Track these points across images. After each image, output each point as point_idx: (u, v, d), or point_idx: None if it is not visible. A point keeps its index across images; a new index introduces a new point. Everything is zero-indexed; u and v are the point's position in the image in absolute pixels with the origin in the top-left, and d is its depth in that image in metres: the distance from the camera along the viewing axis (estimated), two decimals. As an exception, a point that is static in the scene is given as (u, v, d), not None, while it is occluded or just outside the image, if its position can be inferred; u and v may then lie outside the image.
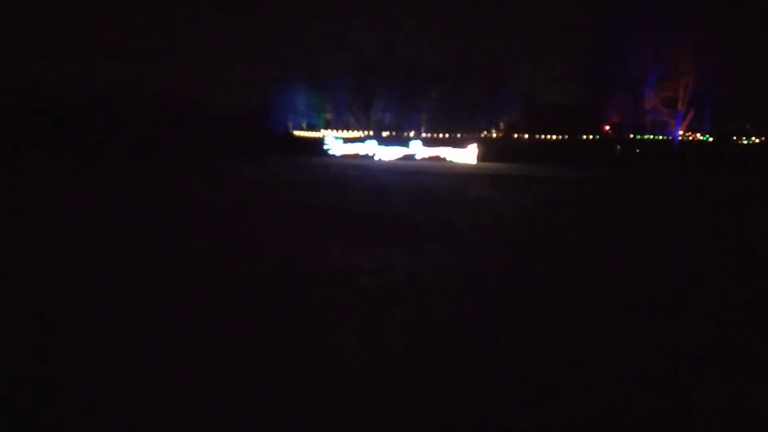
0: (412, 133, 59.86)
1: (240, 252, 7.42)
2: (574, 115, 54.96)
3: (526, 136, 55.84)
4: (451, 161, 41.11)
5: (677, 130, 50.29)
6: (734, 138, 51.17)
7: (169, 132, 45.81)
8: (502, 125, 58.58)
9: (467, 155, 41.54)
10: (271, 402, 3.31)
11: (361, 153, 44.81)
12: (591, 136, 53.99)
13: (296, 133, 59.74)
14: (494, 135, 58.56)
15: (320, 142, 49.59)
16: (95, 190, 15.70)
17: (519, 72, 68.84)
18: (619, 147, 51.40)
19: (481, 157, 41.81)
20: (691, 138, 51.87)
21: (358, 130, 59.04)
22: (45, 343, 4.11)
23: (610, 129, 54.98)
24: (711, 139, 51.22)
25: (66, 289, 5.58)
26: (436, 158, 42.10)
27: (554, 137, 55.37)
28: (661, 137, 51.17)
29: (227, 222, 10.13)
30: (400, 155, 42.82)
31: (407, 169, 29.76)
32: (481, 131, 58.22)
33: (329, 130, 59.68)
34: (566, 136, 54.79)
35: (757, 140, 50.84)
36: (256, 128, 54.73)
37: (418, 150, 43.61)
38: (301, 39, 60.96)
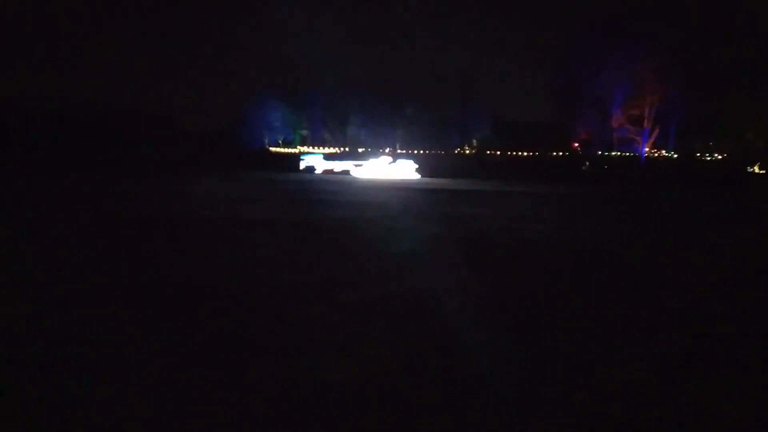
0: (388, 149, 60.54)
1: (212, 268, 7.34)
2: (544, 133, 56.21)
3: (498, 152, 56.86)
4: (354, 175, 42.62)
5: (643, 147, 51.81)
6: (698, 155, 52.78)
7: (141, 147, 45.64)
8: (474, 142, 59.61)
9: (377, 169, 42.84)
10: (249, 416, 3.29)
11: (336, 169, 45.84)
12: (560, 153, 55.19)
13: (272, 149, 59.96)
14: (467, 151, 59.52)
15: (295, 157, 50.06)
16: (56, 206, 15.53)
17: (490, 90, 70.54)
18: (587, 163, 52.65)
19: (421, 172, 42.67)
20: (656, 155, 53.38)
21: (334, 147, 59.53)
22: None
23: (578, 146, 56.30)
24: (676, 156, 52.76)
25: (32, 306, 5.43)
26: (330, 171, 44.40)
27: (525, 154, 56.49)
28: (628, 154, 52.63)
29: (194, 238, 10.13)
30: (302, 168, 46.36)
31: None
32: (455, 148, 59.19)
33: (305, 147, 60.07)
34: (536, 153, 55.98)
35: (719, 156, 52.52)
36: (231, 144, 54.84)
37: (317, 163, 46.60)
38: (278, 55, 61.61)
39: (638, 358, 4.33)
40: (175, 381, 3.69)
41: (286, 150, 59.53)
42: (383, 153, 50.61)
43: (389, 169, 42.80)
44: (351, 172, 43.74)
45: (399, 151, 56.56)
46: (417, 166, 42.74)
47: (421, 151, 55.94)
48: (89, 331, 4.65)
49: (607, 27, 51.01)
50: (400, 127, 60.51)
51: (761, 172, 48.98)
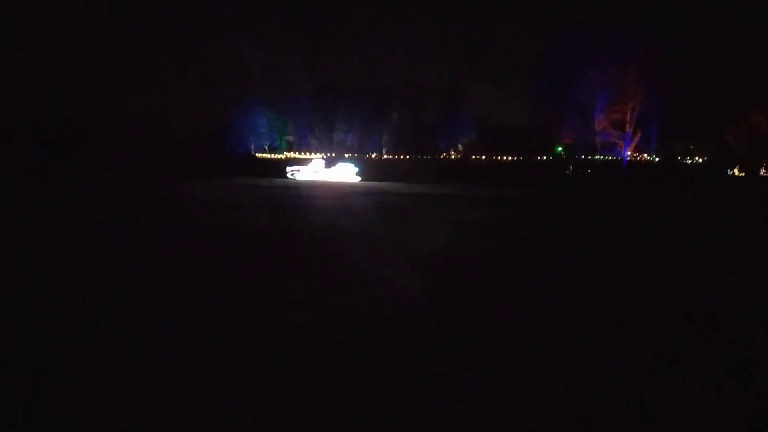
0: (374, 155, 60.83)
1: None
2: (529, 137, 56.73)
3: (483, 157, 57.34)
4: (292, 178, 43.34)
5: (626, 151, 52.45)
6: (679, 158, 53.51)
7: (124, 154, 45.51)
8: (460, 147, 60.02)
9: (313, 173, 43.61)
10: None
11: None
12: (544, 157, 55.74)
13: (258, 155, 60.01)
14: (452, 156, 59.94)
15: (282, 163, 50.19)
16: (42, 213, 15.49)
17: (475, 95, 71.13)
18: (571, 167, 53.18)
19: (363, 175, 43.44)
20: (639, 158, 54.06)
21: (320, 152, 59.74)
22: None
23: (563, 150, 56.91)
24: (657, 159, 53.45)
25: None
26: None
27: (510, 158, 56.99)
28: (610, 157, 53.25)
29: (173, 245, 10.11)
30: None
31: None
32: (440, 153, 59.59)
33: (292, 152, 60.21)
34: (521, 157, 56.53)
35: (700, 159, 53.27)
36: (217, 150, 54.81)
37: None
38: (265, 61, 61.90)
39: (619, 358, 4.37)
40: (160, 388, 3.65)
41: (272, 156, 59.62)
42: (319, 158, 51.24)
43: (327, 172, 43.45)
44: (288, 176, 44.32)
45: (346, 155, 57.43)
46: (357, 169, 43.59)
47: (374, 155, 57.17)
48: (57, 339, 4.60)
49: (589, 33, 51.73)
50: (386, 132, 60.85)
51: (741, 174, 49.76)
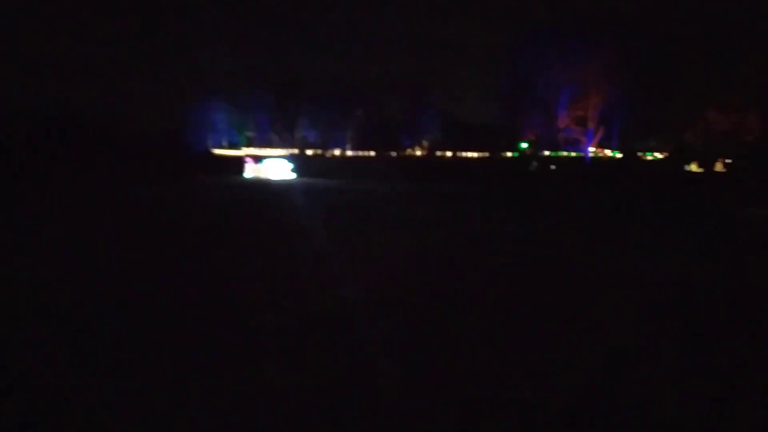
0: (337, 151, 59.83)
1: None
2: (494, 134, 56.83)
3: (449, 153, 57.09)
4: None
5: (588, 147, 53.05)
6: (640, 154, 54.41)
7: (72, 153, 43.26)
8: (425, 143, 59.61)
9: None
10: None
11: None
12: (510, 154, 55.89)
13: (216, 151, 58.14)
14: (418, 153, 59.49)
15: (238, 160, 48.66)
16: None
17: (441, 92, 70.56)
18: (535, 164, 53.35)
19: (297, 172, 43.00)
20: (601, 154, 54.72)
21: (282, 149, 58.35)
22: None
23: (528, 147, 57.24)
24: (619, 156, 54.20)
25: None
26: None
27: (475, 155, 56.96)
28: (574, 154, 53.76)
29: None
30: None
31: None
32: (405, 150, 59.06)
33: (252, 149, 58.57)
34: (486, 154, 56.59)
35: (660, 156, 54.25)
36: (173, 147, 52.76)
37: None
38: (223, 56, 59.92)
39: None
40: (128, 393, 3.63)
41: (230, 153, 57.83)
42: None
43: (259, 169, 42.69)
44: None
45: (309, 152, 56.91)
46: (292, 166, 43.15)
47: (318, 152, 56.76)
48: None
49: (552, 31, 52.03)
50: (350, 129, 59.92)
51: (699, 170, 50.80)
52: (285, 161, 43.74)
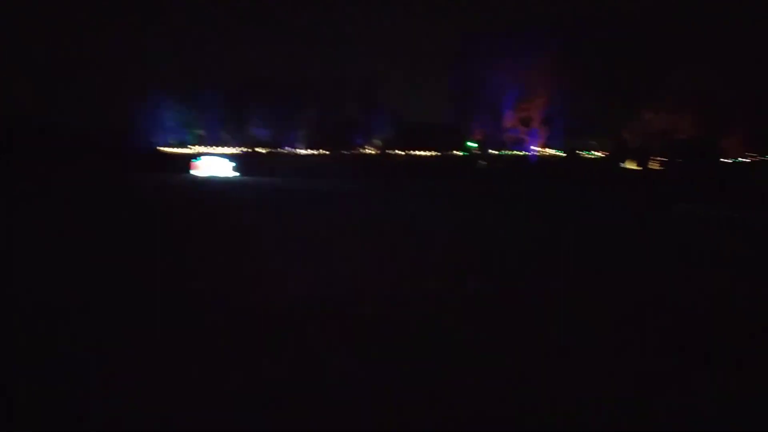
0: (290, 149, 59.74)
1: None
2: (444, 133, 57.96)
3: (402, 153, 57.89)
4: None
5: (532, 146, 54.98)
6: (583, 152, 56.63)
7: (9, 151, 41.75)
8: (377, 142, 60.22)
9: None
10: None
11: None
12: (459, 153, 57.16)
13: (163, 149, 56.97)
14: (370, 152, 60.04)
15: (186, 158, 48.10)
16: None
17: (392, 91, 71.16)
18: (484, 163, 54.82)
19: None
20: (546, 153, 56.66)
21: (232, 147, 57.77)
22: None
23: (477, 146, 58.66)
24: (563, 154, 56.25)
25: None
26: None
27: (427, 154, 57.96)
28: (520, 153, 55.54)
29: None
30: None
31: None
32: (356, 148, 59.51)
33: (202, 147, 57.76)
34: (437, 153, 57.69)
35: (601, 154, 56.60)
36: (117, 145, 51.46)
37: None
38: (172, 54, 58.68)
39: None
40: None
41: (178, 151, 56.84)
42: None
43: (201, 166, 42.72)
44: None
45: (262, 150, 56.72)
46: (234, 164, 43.52)
47: (270, 150, 57.01)
48: None
49: (499, 35, 53.64)
50: (303, 128, 59.86)
51: (637, 168, 53.41)
52: (226, 160, 44.04)
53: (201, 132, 59.29)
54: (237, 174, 42.54)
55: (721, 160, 48.61)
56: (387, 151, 59.28)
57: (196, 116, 58.43)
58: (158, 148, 56.41)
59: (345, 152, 57.86)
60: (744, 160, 50.15)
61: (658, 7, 56.90)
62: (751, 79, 48.31)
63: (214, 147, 57.49)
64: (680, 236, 12.81)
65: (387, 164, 53.04)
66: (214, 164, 43.11)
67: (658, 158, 52.21)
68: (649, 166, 51.86)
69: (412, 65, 70.35)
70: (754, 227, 14.90)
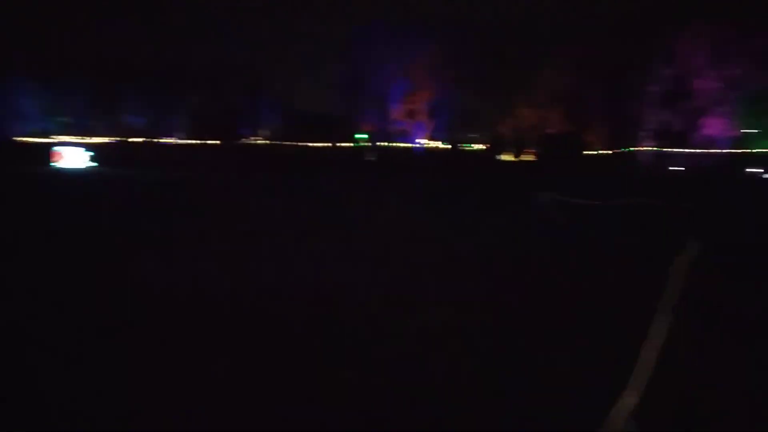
0: (170, 139, 56.64)
1: None
2: (333, 124, 57.91)
3: (289, 143, 57.08)
4: None
5: (417, 138, 56.74)
6: (466, 145, 59.32)
7: None
8: (264, 132, 58.88)
9: None
10: None
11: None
12: (348, 144, 57.49)
13: (22, 139, 51.48)
14: (257, 142, 58.60)
15: (46, 148, 44.02)
16: None
17: (281, 80, 69.22)
18: (372, 154, 55.61)
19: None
20: (432, 145, 58.65)
21: (104, 136, 53.67)
22: None
23: (366, 137, 59.30)
24: (447, 147, 58.55)
25: None
26: None
27: (316, 145, 57.60)
28: (406, 145, 57.05)
29: None
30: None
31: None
32: (241, 138, 57.81)
33: (67, 136, 52.97)
34: (328, 144, 57.53)
35: (481, 146, 59.64)
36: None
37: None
38: (33, 37, 52.57)
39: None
40: None
41: (37, 140, 51.69)
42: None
43: (58, 156, 40.54)
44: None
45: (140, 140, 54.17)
46: (91, 155, 41.82)
47: (147, 140, 54.66)
48: None
49: (386, 27, 54.49)
50: (184, 115, 56.97)
51: (514, 159, 56.96)
52: (82, 150, 41.46)
53: (67, 120, 54.37)
54: (93, 164, 40.20)
55: (584, 152, 53.14)
56: (275, 141, 58.22)
57: (61, 103, 53.44)
58: (14, 138, 50.88)
59: (229, 142, 55.94)
60: (606, 152, 55.26)
61: (532, 11, 60.79)
62: (611, 78, 53.17)
63: (82, 137, 52.97)
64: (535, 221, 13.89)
65: (272, 155, 52.07)
66: (70, 155, 40.36)
67: (531, 150, 56.07)
68: (523, 158, 55.56)
69: (302, 54, 69.10)
70: (605, 213, 16.26)
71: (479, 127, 61.56)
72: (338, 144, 57.27)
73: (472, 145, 61.01)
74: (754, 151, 44.83)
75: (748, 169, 43.28)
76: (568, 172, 38.31)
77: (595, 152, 55.10)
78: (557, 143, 52.19)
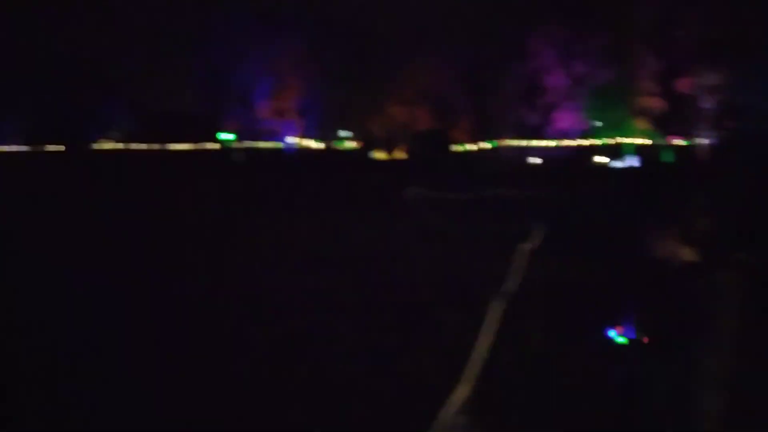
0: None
1: None
2: (195, 124, 54.41)
3: (145, 146, 52.61)
4: None
5: (289, 137, 54.95)
6: (336, 144, 58.59)
7: None
8: (115, 134, 53.67)
9: None
10: None
11: None
12: (212, 145, 54.28)
13: None
14: (106, 146, 53.27)
15: None
16: None
17: (130, 78, 61.77)
18: (239, 155, 52.92)
19: None
20: (304, 145, 57.15)
21: None
22: None
23: (233, 137, 56.37)
24: (320, 146, 57.41)
25: None
26: None
27: (178, 147, 53.68)
28: (276, 145, 55.03)
29: None
30: None
31: None
32: (89, 142, 52.25)
33: None
34: (193, 145, 53.90)
35: (354, 145, 59.27)
36: None
37: None
38: None
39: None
40: None
41: None
42: None
43: None
44: None
45: None
46: None
47: None
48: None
49: (247, 20, 51.93)
50: (16, 119, 50.15)
51: (384, 157, 57.18)
52: None
53: None
54: None
55: (452, 148, 54.71)
56: (130, 144, 53.34)
57: None
58: None
59: (76, 148, 50.23)
60: (471, 147, 57.30)
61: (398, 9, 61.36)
62: (472, 77, 55.17)
63: None
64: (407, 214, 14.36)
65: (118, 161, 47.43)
66: None
67: (403, 148, 56.68)
68: (395, 156, 55.99)
69: (156, 47, 62.78)
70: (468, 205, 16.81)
71: (352, 125, 61.16)
72: (201, 145, 53.83)
73: (345, 143, 60.48)
74: (600, 141, 48.78)
75: (596, 158, 46.88)
76: (438, 168, 39.06)
77: (462, 148, 56.96)
78: (426, 140, 53.19)
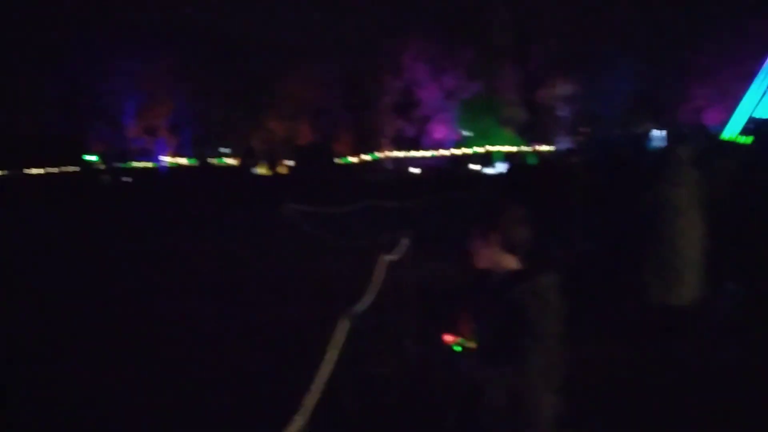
0: None
1: None
2: (54, 147, 49.88)
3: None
4: None
5: (162, 156, 52.28)
6: (214, 161, 56.64)
7: None
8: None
9: None
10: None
11: None
12: (75, 168, 49.99)
13: None
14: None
15: None
16: None
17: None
18: (107, 177, 49.31)
19: None
20: (177, 163, 54.57)
21: None
22: None
23: (98, 159, 52.50)
24: (195, 163, 55.06)
25: None
26: None
27: (36, 171, 48.78)
28: (149, 164, 52.07)
29: None
30: None
31: None
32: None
33: None
34: (55, 169, 49.20)
35: (233, 162, 57.61)
36: None
37: None
38: None
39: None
40: None
41: None
42: None
43: None
44: None
45: None
46: None
47: None
48: None
49: (108, 34, 48.70)
50: None
51: (267, 173, 56.15)
52: None
53: None
54: None
55: (335, 161, 54.98)
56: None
57: None
58: None
59: None
60: (353, 159, 57.97)
61: (273, 23, 60.60)
62: (350, 91, 56.01)
63: None
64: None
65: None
66: None
67: (286, 163, 56.06)
68: (278, 171, 55.24)
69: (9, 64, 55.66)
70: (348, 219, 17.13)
71: (231, 141, 59.46)
72: (63, 168, 49.39)
73: (224, 159, 58.65)
74: (472, 150, 51.59)
75: (470, 166, 49.51)
76: (320, 182, 38.95)
77: (344, 161, 57.48)
78: (308, 155, 52.89)
